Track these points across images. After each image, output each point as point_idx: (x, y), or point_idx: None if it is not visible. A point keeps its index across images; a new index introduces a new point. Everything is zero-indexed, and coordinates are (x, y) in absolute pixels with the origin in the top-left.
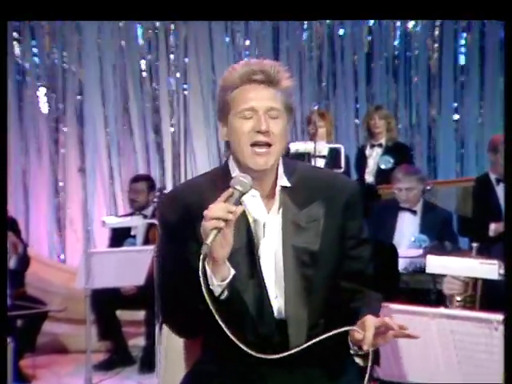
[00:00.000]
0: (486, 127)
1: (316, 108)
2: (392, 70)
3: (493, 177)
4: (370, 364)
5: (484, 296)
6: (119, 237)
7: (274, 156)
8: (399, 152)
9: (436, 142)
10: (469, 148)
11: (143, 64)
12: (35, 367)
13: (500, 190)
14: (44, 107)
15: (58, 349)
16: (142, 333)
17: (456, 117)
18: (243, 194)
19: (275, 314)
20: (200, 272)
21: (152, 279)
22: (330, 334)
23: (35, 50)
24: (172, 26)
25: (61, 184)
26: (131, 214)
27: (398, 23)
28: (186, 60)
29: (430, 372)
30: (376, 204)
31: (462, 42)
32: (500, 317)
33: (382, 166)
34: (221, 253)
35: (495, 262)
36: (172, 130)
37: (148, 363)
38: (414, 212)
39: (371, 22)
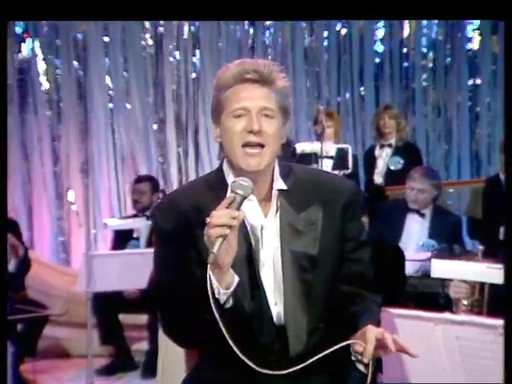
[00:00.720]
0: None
1: (322, 107)
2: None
3: (504, 178)
4: (370, 372)
5: (491, 300)
6: (122, 239)
7: (267, 157)
8: (409, 153)
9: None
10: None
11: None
12: (36, 372)
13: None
14: (46, 106)
15: (60, 353)
16: (145, 337)
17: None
18: (245, 198)
19: (275, 320)
20: (208, 282)
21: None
22: (331, 349)
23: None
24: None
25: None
26: (134, 216)
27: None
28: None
29: (434, 378)
30: (383, 204)
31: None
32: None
33: (392, 167)
34: (226, 260)
35: (501, 265)
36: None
37: (151, 368)
38: (423, 215)
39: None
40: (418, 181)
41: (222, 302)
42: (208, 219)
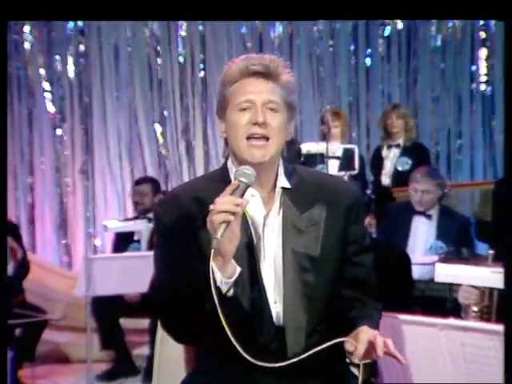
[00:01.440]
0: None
1: (328, 107)
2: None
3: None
4: (361, 375)
5: (500, 307)
6: (123, 242)
7: (271, 150)
8: (418, 153)
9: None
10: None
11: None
12: (34, 377)
13: None
14: (49, 108)
15: (59, 358)
16: (146, 342)
17: None
18: (248, 186)
19: (274, 319)
20: (210, 270)
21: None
22: (324, 346)
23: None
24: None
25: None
26: (135, 218)
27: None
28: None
29: None
30: (389, 206)
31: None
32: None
33: (400, 168)
34: (229, 247)
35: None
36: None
37: (152, 373)
38: (429, 217)
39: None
40: (421, 182)
41: (223, 291)
42: (211, 206)
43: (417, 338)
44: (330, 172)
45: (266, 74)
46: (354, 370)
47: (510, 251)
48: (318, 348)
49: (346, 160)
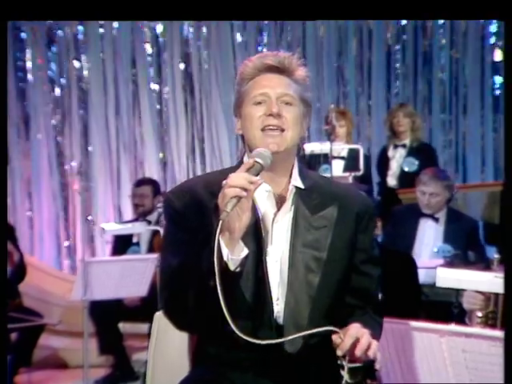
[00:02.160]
0: None
1: (332, 106)
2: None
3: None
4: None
5: (506, 313)
6: (122, 245)
7: (286, 141)
8: (424, 153)
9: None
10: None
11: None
12: (31, 383)
13: None
14: (48, 109)
15: (57, 363)
16: (146, 347)
17: None
18: (263, 167)
19: (275, 316)
20: (216, 239)
21: (156, 290)
22: (312, 331)
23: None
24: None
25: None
26: (134, 220)
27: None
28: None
29: None
30: (395, 208)
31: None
32: None
33: (406, 169)
34: (237, 224)
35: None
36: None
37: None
38: (437, 219)
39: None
40: (429, 184)
41: (231, 268)
42: (224, 181)
43: (417, 344)
44: (335, 172)
45: (281, 69)
46: (343, 373)
47: (510, 256)
48: (304, 333)
49: (351, 160)
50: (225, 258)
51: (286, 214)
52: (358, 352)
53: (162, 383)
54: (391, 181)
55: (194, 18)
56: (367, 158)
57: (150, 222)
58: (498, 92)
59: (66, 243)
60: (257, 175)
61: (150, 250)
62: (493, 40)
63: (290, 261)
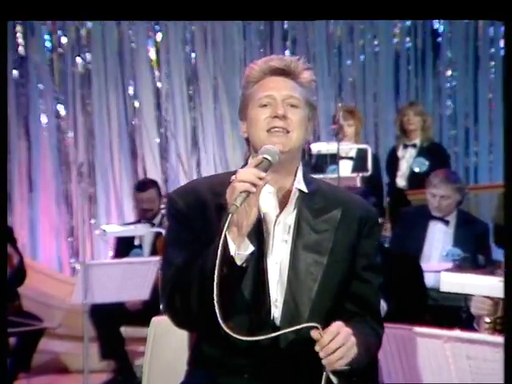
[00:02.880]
0: None
1: (340, 105)
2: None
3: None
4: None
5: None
6: (125, 247)
7: (291, 142)
8: (435, 154)
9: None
10: None
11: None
12: None
13: None
14: (50, 110)
15: (57, 368)
16: None
17: None
18: (271, 163)
19: (272, 318)
20: (223, 234)
21: (158, 293)
22: (292, 329)
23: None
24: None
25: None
26: (136, 222)
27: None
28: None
29: None
30: (404, 210)
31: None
32: None
33: (416, 169)
34: (245, 221)
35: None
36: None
37: None
38: (447, 222)
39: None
40: (440, 187)
41: (238, 262)
42: (233, 177)
43: (421, 350)
44: (342, 173)
45: (287, 72)
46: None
47: (510, 258)
48: (286, 330)
49: (359, 161)
50: (232, 253)
51: (288, 217)
52: (333, 345)
53: None
54: (400, 181)
55: (195, 18)
56: (376, 159)
57: (153, 224)
58: None
59: (69, 241)
60: (265, 171)
61: (153, 252)
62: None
63: (290, 263)
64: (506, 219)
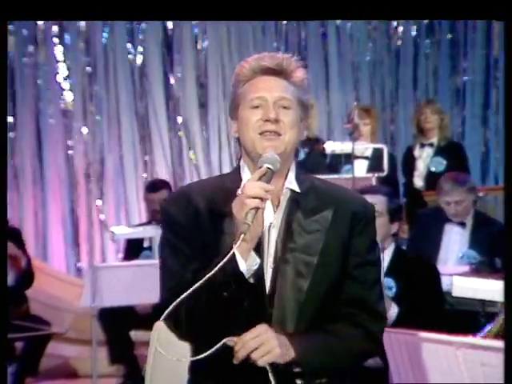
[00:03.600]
0: None
1: (355, 103)
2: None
3: None
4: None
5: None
6: (135, 249)
7: (283, 145)
8: (453, 153)
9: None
10: None
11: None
12: None
13: None
14: (59, 112)
15: (66, 373)
16: None
17: None
18: (273, 172)
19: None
20: (232, 252)
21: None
22: (210, 351)
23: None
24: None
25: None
26: (146, 224)
27: None
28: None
29: None
30: (420, 213)
31: None
32: None
33: (433, 169)
34: (254, 235)
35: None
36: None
37: None
38: (463, 224)
39: None
40: (451, 192)
41: (246, 276)
42: (239, 191)
43: (432, 356)
44: (357, 173)
45: (279, 72)
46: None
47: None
48: (208, 352)
49: (375, 160)
50: (241, 269)
51: (281, 218)
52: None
53: None
54: (418, 182)
55: (194, 17)
56: (392, 158)
57: None
58: None
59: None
60: (269, 182)
61: None
62: None
63: (279, 265)
64: (506, 219)
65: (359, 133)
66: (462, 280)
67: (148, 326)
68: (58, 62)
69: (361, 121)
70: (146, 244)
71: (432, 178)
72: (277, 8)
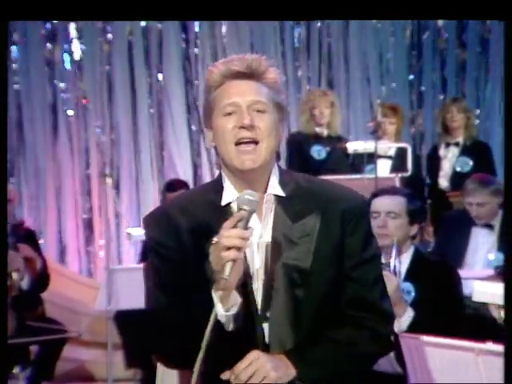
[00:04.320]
0: None
1: (379, 101)
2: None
3: None
4: None
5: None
6: None
7: (262, 154)
8: (479, 153)
9: None
10: None
11: None
12: None
13: None
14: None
15: (83, 377)
16: None
17: None
18: (252, 213)
19: (264, 337)
20: (213, 315)
21: None
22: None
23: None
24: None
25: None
26: None
27: None
28: None
29: None
30: (447, 214)
31: None
32: None
33: (459, 169)
34: (234, 281)
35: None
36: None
37: None
38: (491, 227)
39: None
40: (474, 194)
41: (226, 326)
42: (215, 239)
43: (450, 363)
44: (380, 173)
45: (249, 74)
46: None
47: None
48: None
49: (399, 160)
50: (218, 317)
51: (266, 227)
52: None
53: None
54: (443, 182)
55: (195, 18)
56: (417, 158)
57: None
58: None
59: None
60: (247, 223)
61: None
62: None
63: (273, 277)
64: (506, 219)
65: (383, 131)
66: (483, 285)
67: None
68: (74, 61)
69: (386, 119)
70: None
71: (458, 179)
72: (287, 8)
